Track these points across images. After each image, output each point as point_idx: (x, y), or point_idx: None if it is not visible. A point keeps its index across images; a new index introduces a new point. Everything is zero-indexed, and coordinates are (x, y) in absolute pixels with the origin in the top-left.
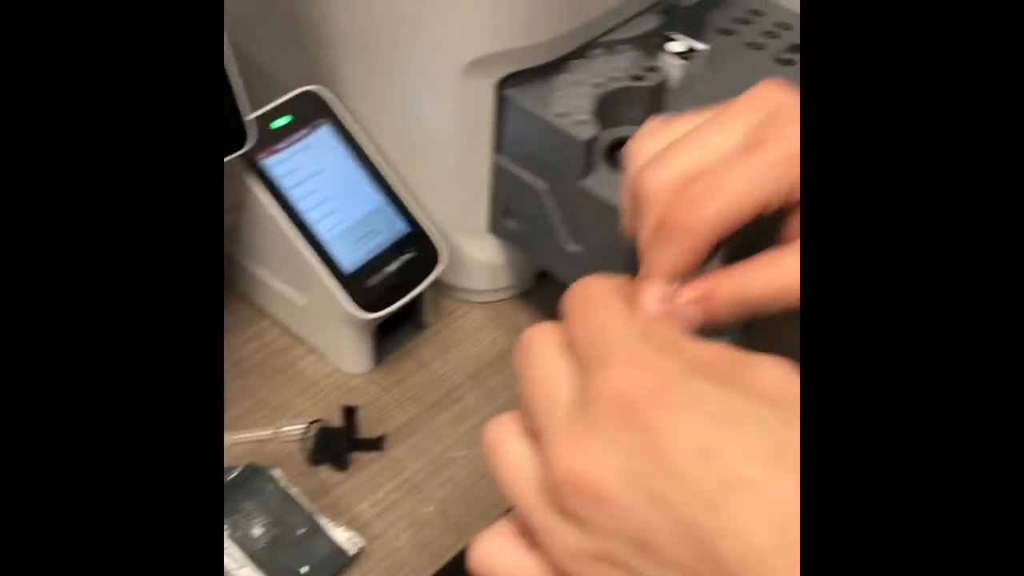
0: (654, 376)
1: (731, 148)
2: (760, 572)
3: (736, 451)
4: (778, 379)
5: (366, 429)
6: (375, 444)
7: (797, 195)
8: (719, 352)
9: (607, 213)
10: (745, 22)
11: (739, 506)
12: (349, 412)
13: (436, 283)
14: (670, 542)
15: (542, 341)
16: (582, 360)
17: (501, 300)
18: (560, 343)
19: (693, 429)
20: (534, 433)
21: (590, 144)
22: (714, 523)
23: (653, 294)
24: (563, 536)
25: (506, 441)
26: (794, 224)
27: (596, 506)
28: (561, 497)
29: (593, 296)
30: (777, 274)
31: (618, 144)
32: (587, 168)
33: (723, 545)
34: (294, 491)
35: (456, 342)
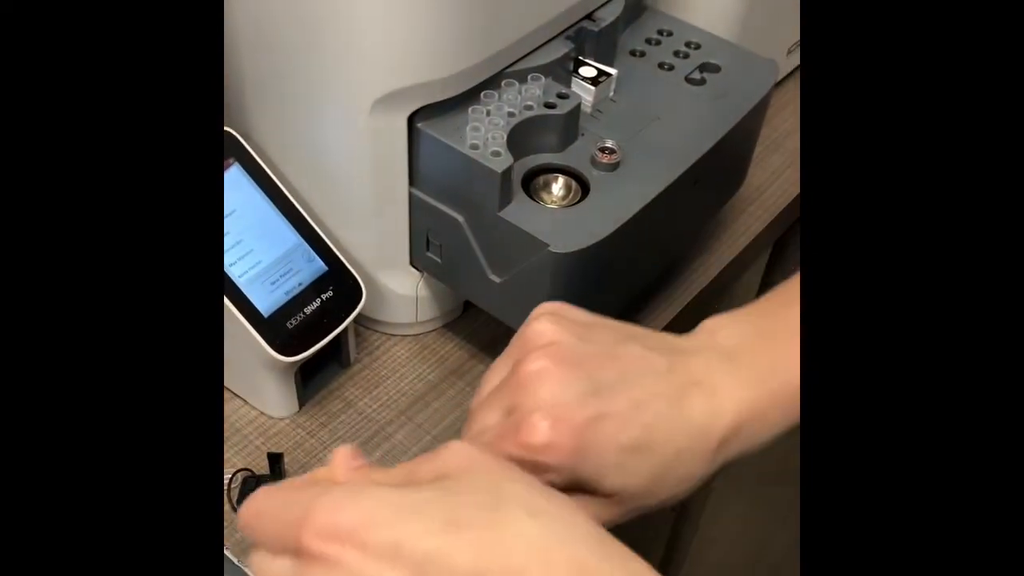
0: (340, 504)
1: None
2: None
3: (416, 533)
4: (455, 455)
5: (294, 474)
6: None
7: None
8: (396, 469)
9: (527, 242)
10: (655, 43)
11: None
12: (275, 459)
13: (359, 319)
14: None
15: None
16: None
17: (426, 333)
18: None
19: (382, 535)
20: None
21: (506, 175)
22: None
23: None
24: None
25: None
26: None
27: None
28: None
29: (256, 500)
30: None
31: (535, 173)
32: (505, 199)
33: None
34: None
35: (382, 378)
